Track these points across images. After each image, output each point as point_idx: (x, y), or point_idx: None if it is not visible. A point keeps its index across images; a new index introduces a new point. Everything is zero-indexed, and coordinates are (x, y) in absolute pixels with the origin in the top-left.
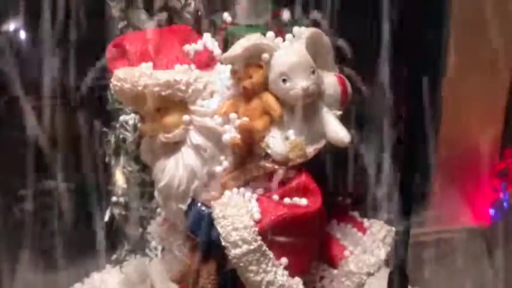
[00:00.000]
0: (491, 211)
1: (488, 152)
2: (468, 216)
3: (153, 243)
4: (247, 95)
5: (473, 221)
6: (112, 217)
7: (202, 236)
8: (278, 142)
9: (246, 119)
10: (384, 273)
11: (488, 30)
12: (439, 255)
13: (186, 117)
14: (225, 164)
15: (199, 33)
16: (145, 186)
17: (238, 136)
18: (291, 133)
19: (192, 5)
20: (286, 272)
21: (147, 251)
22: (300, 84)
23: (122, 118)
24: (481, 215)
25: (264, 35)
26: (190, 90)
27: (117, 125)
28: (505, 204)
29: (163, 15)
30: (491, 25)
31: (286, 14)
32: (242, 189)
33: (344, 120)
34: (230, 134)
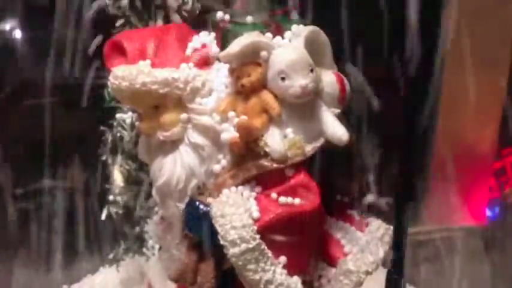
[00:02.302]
0: (488, 210)
1: (485, 151)
2: (465, 215)
3: (151, 242)
4: (245, 93)
5: (471, 220)
6: (109, 216)
7: (200, 235)
8: (276, 140)
9: (244, 117)
10: (382, 272)
11: (486, 29)
12: (436, 254)
13: (184, 116)
14: (223, 162)
15: (197, 32)
16: (142, 185)
17: (237, 134)
18: (289, 131)
19: (190, 3)
20: (284, 271)
21: (144, 250)
22: (299, 82)
23: (119, 116)
24: (478, 214)
25: (263, 33)
26: (188, 88)
27: (114, 124)
28: (501, 203)
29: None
30: (489, 24)
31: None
32: (240, 188)
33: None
34: (228, 133)
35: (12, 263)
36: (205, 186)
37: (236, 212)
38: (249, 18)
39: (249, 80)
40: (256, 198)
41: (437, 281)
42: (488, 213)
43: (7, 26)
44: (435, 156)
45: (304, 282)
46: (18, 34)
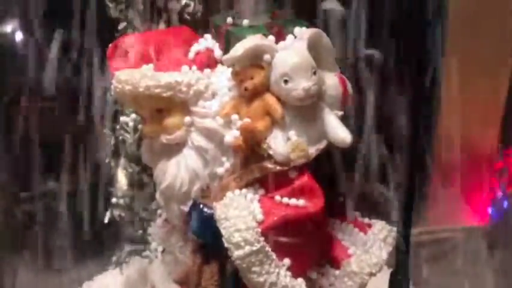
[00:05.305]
0: (490, 210)
1: (487, 151)
2: (467, 215)
3: (154, 245)
4: (248, 96)
5: (473, 221)
6: (112, 219)
7: (204, 237)
8: (280, 143)
9: (247, 120)
10: (386, 273)
11: (487, 30)
12: (438, 255)
13: (187, 119)
14: (227, 165)
15: (200, 35)
16: (145, 187)
17: (240, 137)
18: (292, 134)
19: (192, 6)
20: (289, 273)
21: (147, 252)
22: (302, 85)
23: (121, 119)
24: (480, 214)
25: (265, 35)
26: (191, 92)
27: (117, 127)
28: (504, 203)
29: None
30: (490, 25)
31: None
32: (244, 191)
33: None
34: (232, 135)
35: (15, 266)
36: (209, 189)
37: (240, 215)
38: (251, 21)
39: (252, 83)
40: (260, 201)
41: (440, 282)
42: (491, 213)
43: (8, 28)
44: (437, 156)
45: (307, 284)
46: (18, 36)
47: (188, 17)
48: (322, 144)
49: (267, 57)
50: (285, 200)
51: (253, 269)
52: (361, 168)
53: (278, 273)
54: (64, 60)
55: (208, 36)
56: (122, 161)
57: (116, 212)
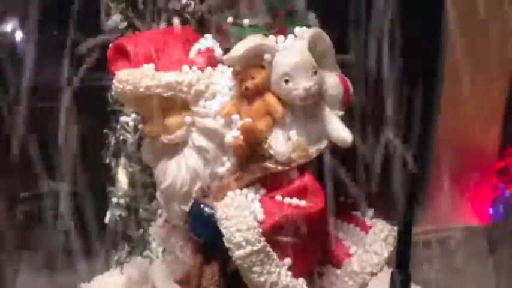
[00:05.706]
0: (491, 210)
1: (488, 150)
2: (468, 214)
3: (154, 245)
4: (249, 96)
5: (473, 220)
6: (113, 218)
7: (205, 237)
8: (280, 143)
9: (248, 119)
10: (387, 272)
11: (488, 29)
12: (439, 254)
13: (188, 119)
14: (228, 165)
15: (201, 34)
16: (146, 187)
17: (241, 137)
18: (293, 134)
19: (192, 5)
20: (290, 273)
21: (148, 252)
22: (302, 84)
23: (122, 119)
24: (481, 213)
25: (266, 35)
26: (192, 92)
27: (118, 126)
28: (505, 202)
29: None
30: (490, 24)
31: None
32: (245, 190)
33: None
34: (233, 135)
35: (16, 266)
36: (209, 189)
37: (241, 215)
38: (252, 21)
39: (253, 82)
40: (260, 201)
41: (440, 281)
42: (491, 212)
43: (9, 28)
44: (438, 155)
45: (309, 284)
46: (19, 36)
47: (188, 17)
48: (323, 144)
49: (267, 56)
50: (286, 199)
51: (254, 269)
52: (361, 168)
53: (279, 273)
54: (64, 59)
55: (208, 35)
56: (122, 160)
57: (116, 212)
